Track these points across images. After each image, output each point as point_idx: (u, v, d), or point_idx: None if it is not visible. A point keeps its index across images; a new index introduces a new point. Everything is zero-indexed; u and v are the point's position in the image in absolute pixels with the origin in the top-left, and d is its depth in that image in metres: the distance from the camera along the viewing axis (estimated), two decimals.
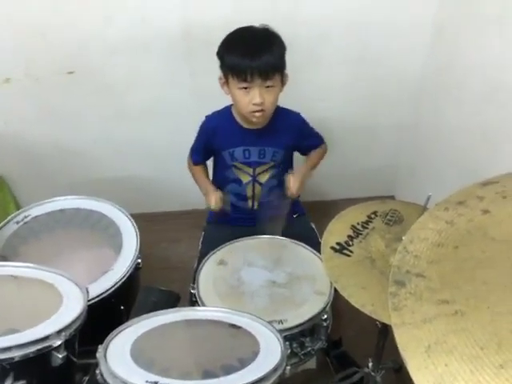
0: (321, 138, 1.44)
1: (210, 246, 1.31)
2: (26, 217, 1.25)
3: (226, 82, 1.23)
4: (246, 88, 1.18)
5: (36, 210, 1.27)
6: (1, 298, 0.93)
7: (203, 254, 1.29)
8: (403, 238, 0.93)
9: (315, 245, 1.27)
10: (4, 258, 1.15)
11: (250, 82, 1.16)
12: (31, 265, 0.98)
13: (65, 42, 1.51)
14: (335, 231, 1.05)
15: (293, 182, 1.31)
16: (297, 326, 1.06)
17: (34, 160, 1.77)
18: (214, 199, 1.31)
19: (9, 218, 1.24)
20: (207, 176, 1.45)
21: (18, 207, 1.80)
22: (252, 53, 1.15)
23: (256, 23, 1.22)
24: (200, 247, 1.41)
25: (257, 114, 1.21)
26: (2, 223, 1.22)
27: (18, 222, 1.24)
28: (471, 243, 0.56)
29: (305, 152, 1.45)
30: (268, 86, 1.18)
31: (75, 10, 1.46)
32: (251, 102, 1.19)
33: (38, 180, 1.81)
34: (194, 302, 1.15)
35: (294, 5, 1.51)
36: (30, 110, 1.65)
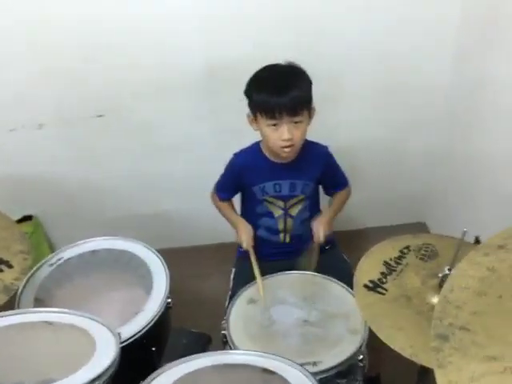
0: (346, 178, 1.43)
1: (241, 282, 1.30)
2: (59, 259, 1.27)
3: (254, 119, 1.24)
4: (274, 125, 1.19)
5: (68, 253, 1.29)
6: (36, 345, 0.94)
7: (235, 291, 1.28)
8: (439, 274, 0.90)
9: (348, 277, 1.24)
10: (40, 301, 1.17)
11: (279, 118, 1.17)
12: (65, 310, 0.99)
13: (93, 87, 1.57)
14: (367, 268, 1.02)
15: (321, 229, 1.31)
16: (332, 368, 1.03)
17: (67, 200, 1.82)
18: (246, 239, 1.32)
19: (43, 261, 1.26)
20: (235, 210, 1.45)
21: (51, 247, 1.85)
22: (279, 90, 1.16)
23: (278, 59, 1.24)
24: (231, 284, 1.40)
25: (286, 150, 1.22)
26: (37, 266, 1.24)
27: (51, 265, 1.26)
28: None
29: (330, 190, 1.44)
30: (296, 122, 1.19)
31: (102, 56, 1.52)
32: (280, 137, 1.19)
33: (70, 219, 1.85)
34: (225, 342, 1.14)
35: (315, 38, 1.53)
36: (62, 152, 1.71)
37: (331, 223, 1.37)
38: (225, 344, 1.14)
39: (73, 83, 1.57)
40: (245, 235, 1.34)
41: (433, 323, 0.51)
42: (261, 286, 1.22)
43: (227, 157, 1.38)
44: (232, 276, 1.43)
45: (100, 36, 1.49)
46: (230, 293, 1.35)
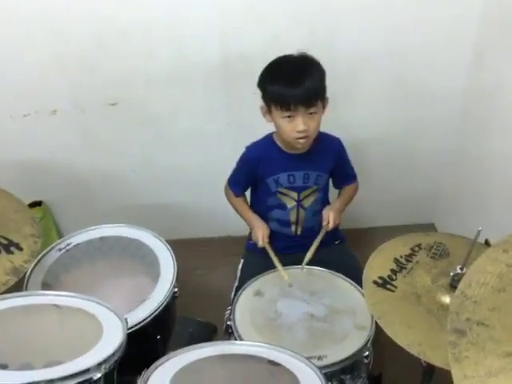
0: (355, 173, 1.44)
1: (249, 273, 1.30)
2: (68, 244, 1.27)
3: (268, 110, 1.24)
4: (289, 116, 1.19)
5: (77, 238, 1.30)
6: (44, 327, 0.94)
7: (242, 282, 1.28)
8: (451, 273, 0.89)
9: (357, 272, 1.23)
10: (47, 286, 1.17)
11: (294, 110, 1.17)
12: (74, 294, 0.99)
13: (108, 75, 1.57)
14: (377, 265, 1.02)
15: (331, 215, 1.31)
16: (337, 363, 1.02)
17: (77, 187, 1.82)
18: (261, 236, 1.33)
19: (52, 245, 1.27)
20: (249, 207, 1.45)
21: (59, 233, 1.86)
22: (294, 81, 1.16)
23: (293, 52, 1.23)
24: (238, 275, 1.39)
25: (301, 141, 1.22)
26: (45, 251, 1.25)
27: (60, 250, 1.26)
28: None
29: (339, 182, 1.45)
30: (311, 113, 1.19)
31: (117, 44, 1.52)
32: (295, 129, 1.19)
33: (79, 207, 1.85)
34: (230, 333, 1.14)
35: (331, 32, 1.52)
36: (74, 139, 1.71)
37: (340, 213, 1.37)
38: (230, 335, 1.14)
39: (87, 70, 1.56)
40: (260, 233, 1.34)
41: (449, 318, 0.50)
42: (284, 273, 1.24)
43: (240, 151, 1.37)
44: (240, 267, 1.43)
45: (115, 24, 1.48)
46: (236, 283, 1.35)
